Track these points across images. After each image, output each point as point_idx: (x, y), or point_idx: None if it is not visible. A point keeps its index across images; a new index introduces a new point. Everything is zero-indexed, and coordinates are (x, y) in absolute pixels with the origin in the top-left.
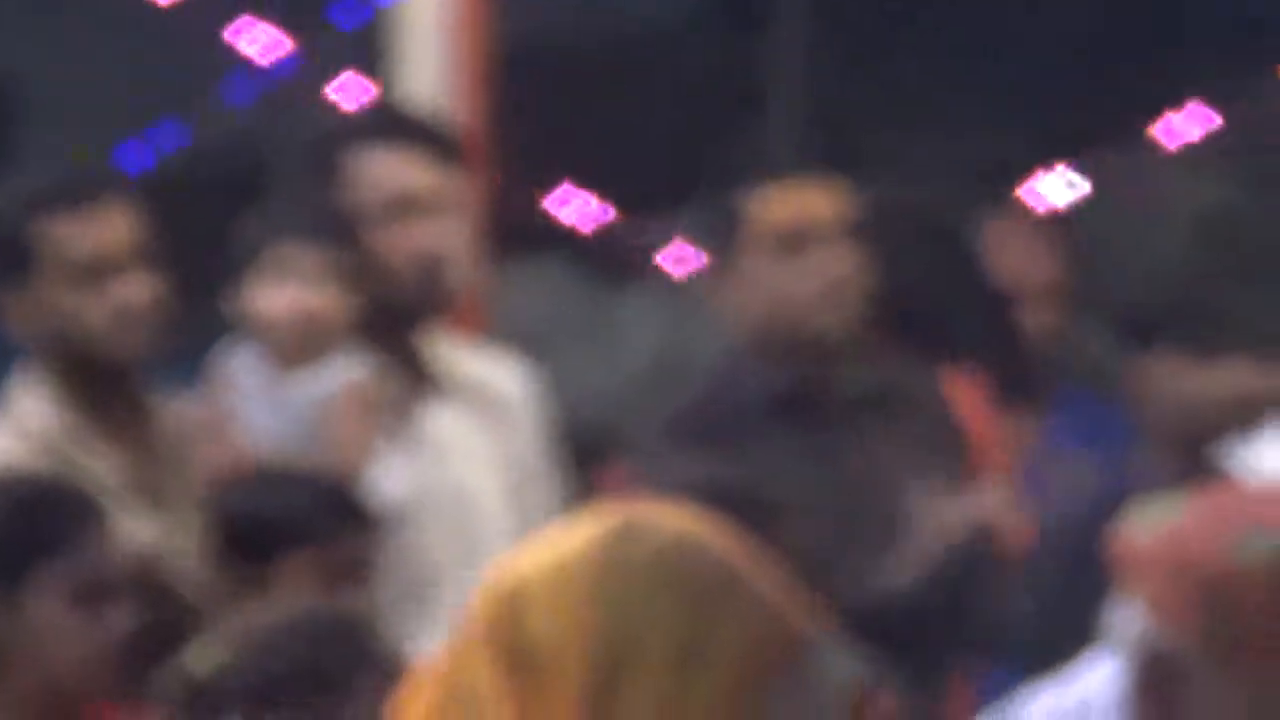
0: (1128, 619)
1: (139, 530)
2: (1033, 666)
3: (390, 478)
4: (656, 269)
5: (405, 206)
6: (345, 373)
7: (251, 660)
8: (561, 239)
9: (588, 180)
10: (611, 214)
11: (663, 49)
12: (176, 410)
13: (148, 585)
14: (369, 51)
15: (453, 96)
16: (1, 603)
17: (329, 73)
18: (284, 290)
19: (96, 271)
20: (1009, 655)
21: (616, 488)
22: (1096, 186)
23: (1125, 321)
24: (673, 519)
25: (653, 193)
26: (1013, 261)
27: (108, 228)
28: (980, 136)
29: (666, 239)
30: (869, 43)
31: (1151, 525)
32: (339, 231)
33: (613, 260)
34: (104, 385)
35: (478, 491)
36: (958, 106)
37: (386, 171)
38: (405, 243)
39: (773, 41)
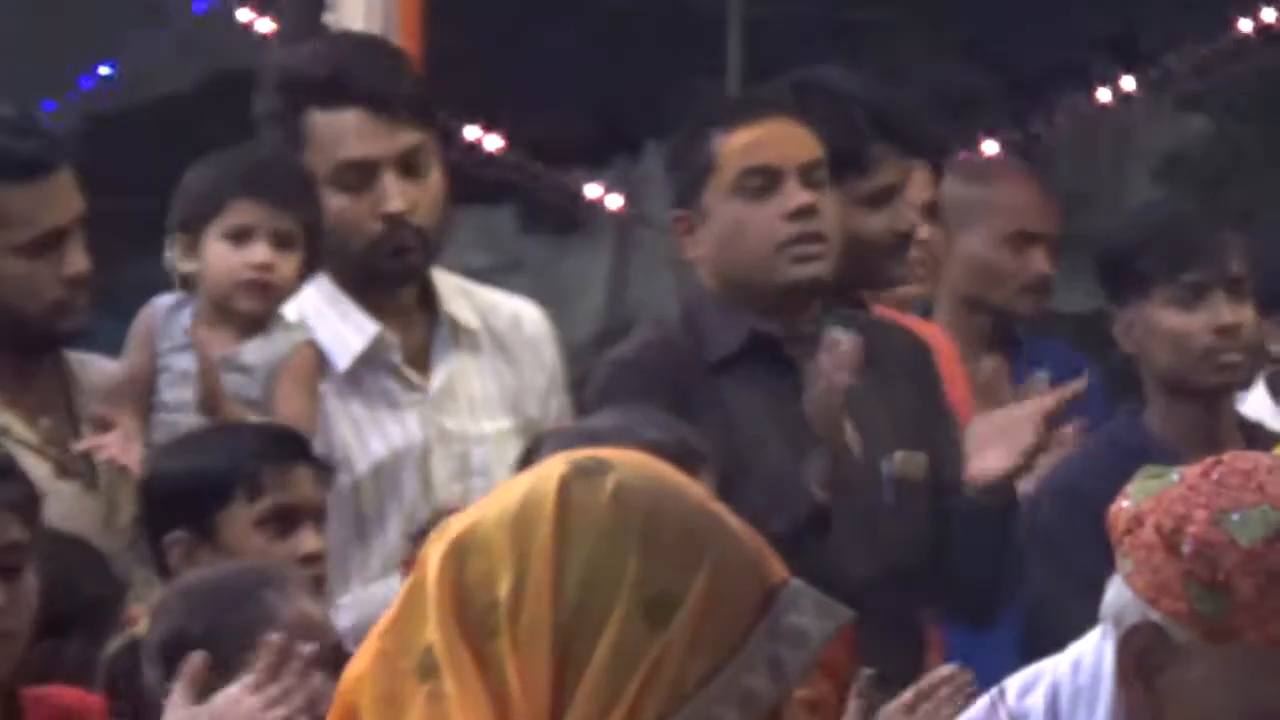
0: (1117, 589)
1: (65, 502)
2: (1026, 635)
3: (389, 433)
4: (597, 217)
5: (363, 171)
6: (290, 338)
7: (165, 619)
8: (498, 189)
9: (515, 128)
10: (541, 163)
11: None
12: (101, 370)
13: (65, 561)
14: None
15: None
16: None
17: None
18: (238, 249)
19: (49, 244)
20: (996, 618)
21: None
22: (1061, 127)
23: (1104, 266)
24: (634, 463)
25: (583, 141)
26: (1013, 205)
27: (59, 199)
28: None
29: (605, 186)
30: None
31: (1145, 493)
32: (295, 188)
33: (551, 210)
34: (35, 354)
35: (482, 437)
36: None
37: (341, 136)
38: (371, 205)
39: None
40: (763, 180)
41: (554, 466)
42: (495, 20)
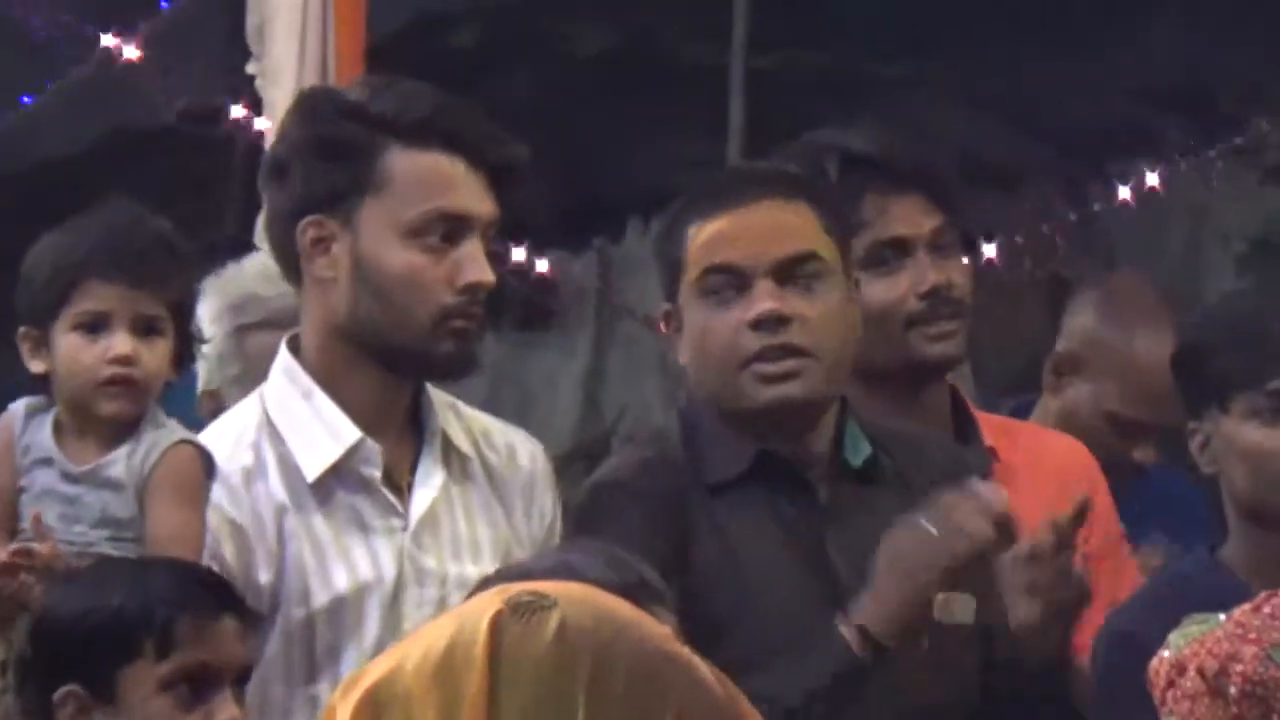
0: None
1: None
2: None
3: (356, 563)
4: (570, 308)
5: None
6: (164, 442)
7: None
8: None
9: None
10: (500, 241)
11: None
12: None
13: None
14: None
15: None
16: None
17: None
18: (94, 341)
19: None
20: None
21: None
22: (1124, 203)
23: (1177, 369)
24: (580, 597)
25: (552, 215)
26: (1129, 374)
27: None
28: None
29: (579, 270)
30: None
31: (1187, 639)
32: (158, 262)
33: (513, 298)
34: None
35: (463, 581)
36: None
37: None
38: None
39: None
40: (725, 281)
41: (485, 603)
42: (447, 68)
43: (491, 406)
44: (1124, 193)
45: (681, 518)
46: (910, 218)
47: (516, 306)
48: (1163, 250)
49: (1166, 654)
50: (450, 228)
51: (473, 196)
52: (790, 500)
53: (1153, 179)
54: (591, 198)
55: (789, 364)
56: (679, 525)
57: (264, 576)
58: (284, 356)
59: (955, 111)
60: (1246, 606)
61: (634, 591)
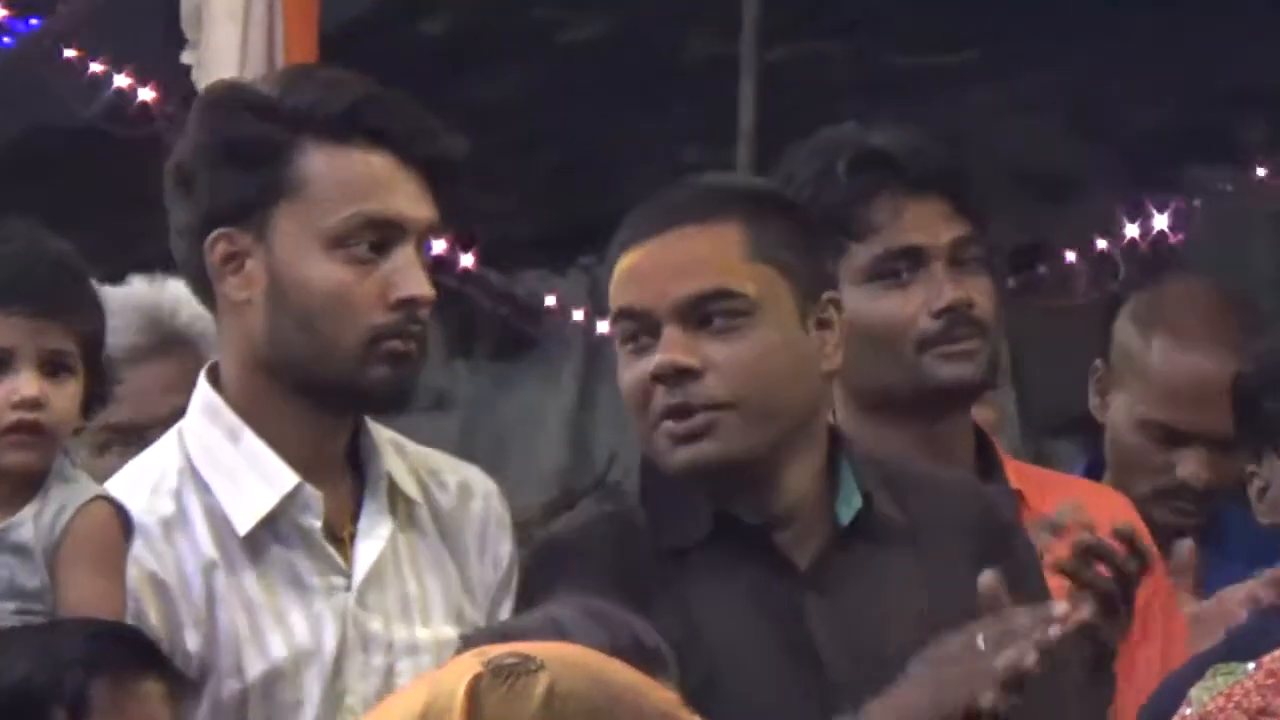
0: None
1: None
2: None
3: (293, 628)
4: (554, 336)
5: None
6: (76, 500)
7: None
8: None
9: (441, 214)
10: (475, 263)
11: None
12: None
13: None
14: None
15: None
16: None
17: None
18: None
19: None
20: None
21: None
22: (1196, 215)
23: (1239, 406)
24: (570, 659)
25: (535, 232)
26: (1165, 381)
27: None
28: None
29: (564, 294)
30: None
31: (1211, 692)
32: (65, 290)
33: (490, 325)
34: None
35: (413, 646)
36: None
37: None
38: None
39: None
40: (634, 327)
41: (462, 666)
42: (414, 60)
43: (465, 448)
44: (1195, 204)
45: (637, 587)
46: (928, 225)
47: (492, 333)
48: (1240, 269)
49: (1189, 711)
50: (379, 235)
51: (404, 198)
52: (759, 565)
53: (1227, 188)
54: (578, 209)
55: (697, 421)
56: (634, 595)
57: (191, 642)
58: (204, 390)
59: (1003, 112)
60: (1278, 653)
61: (632, 656)
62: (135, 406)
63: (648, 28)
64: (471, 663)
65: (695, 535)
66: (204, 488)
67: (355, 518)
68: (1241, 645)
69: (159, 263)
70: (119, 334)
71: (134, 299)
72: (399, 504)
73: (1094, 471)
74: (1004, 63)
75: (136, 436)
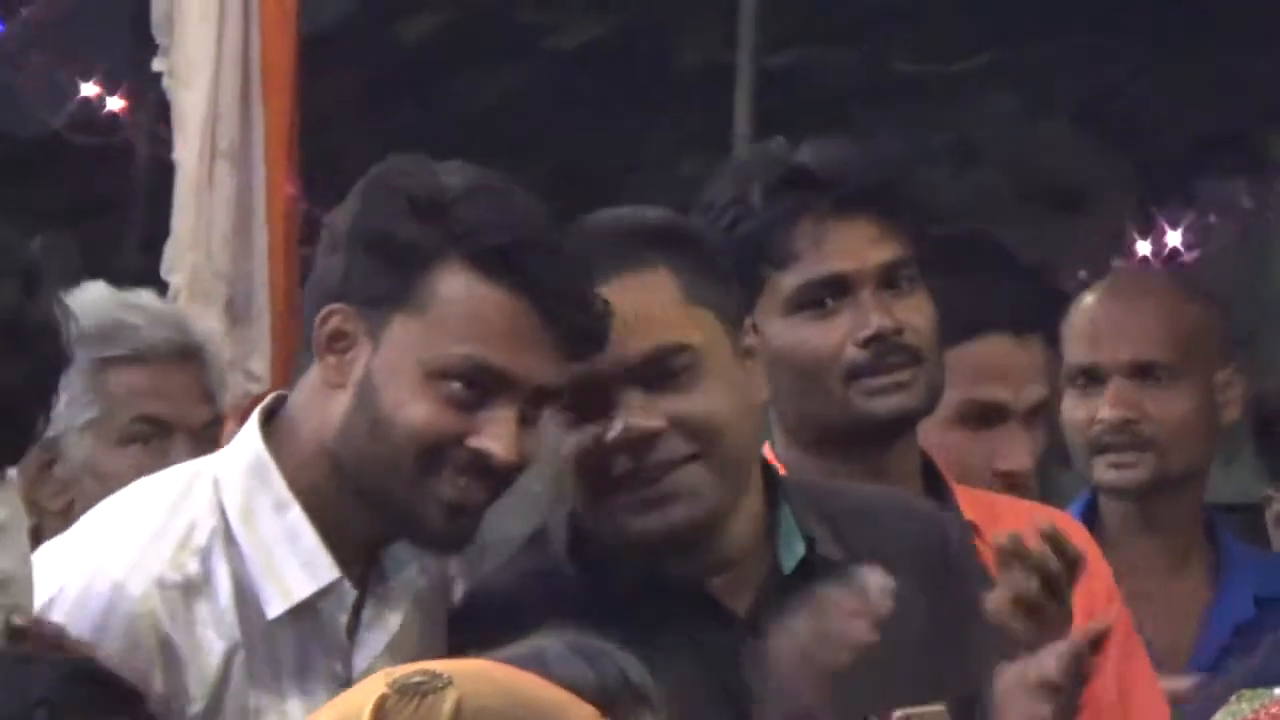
0: None
1: None
2: None
3: (283, 712)
4: None
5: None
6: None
7: None
8: None
9: None
10: None
11: None
12: None
13: None
14: None
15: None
16: None
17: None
18: None
19: None
20: None
21: None
22: (1218, 230)
23: (1259, 434)
24: (480, 675)
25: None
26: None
27: None
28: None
29: None
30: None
31: (1234, 717)
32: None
33: None
34: None
35: None
36: None
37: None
38: None
39: None
40: (583, 396)
41: (368, 688)
42: (398, 66)
43: None
44: (1216, 218)
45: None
46: (854, 249)
47: None
48: (1264, 289)
49: None
50: (484, 382)
51: (529, 355)
52: (694, 615)
53: (1251, 201)
54: (570, 218)
55: (664, 487)
56: None
57: (192, 711)
58: (255, 445)
59: (1013, 117)
60: None
61: (614, 694)
62: (172, 406)
63: (640, 33)
64: (377, 683)
65: (622, 586)
66: (237, 555)
67: (361, 599)
68: (1267, 670)
69: (125, 275)
70: (135, 331)
71: (143, 299)
72: (402, 586)
73: (1093, 502)
74: (1015, 70)
75: (163, 437)
